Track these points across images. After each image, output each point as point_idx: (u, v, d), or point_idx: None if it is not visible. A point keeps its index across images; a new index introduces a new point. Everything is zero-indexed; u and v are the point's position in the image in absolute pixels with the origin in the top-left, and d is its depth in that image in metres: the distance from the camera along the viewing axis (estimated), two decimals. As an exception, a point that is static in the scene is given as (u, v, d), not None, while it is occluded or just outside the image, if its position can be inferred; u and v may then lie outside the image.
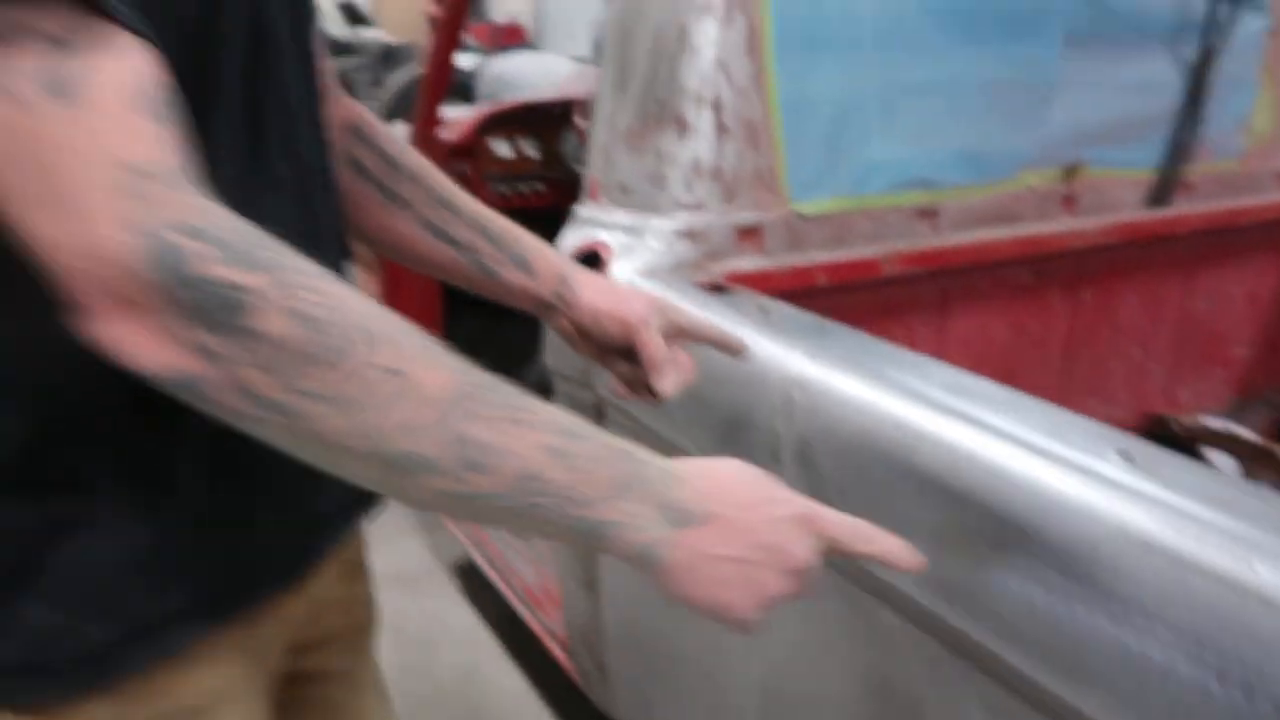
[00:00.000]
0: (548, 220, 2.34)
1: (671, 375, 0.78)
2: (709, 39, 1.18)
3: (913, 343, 1.45)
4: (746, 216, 1.24)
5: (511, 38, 8.65)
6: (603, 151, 1.27)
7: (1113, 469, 0.68)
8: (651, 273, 1.16)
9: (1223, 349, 1.87)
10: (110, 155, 0.44)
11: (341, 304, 0.48)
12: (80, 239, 0.43)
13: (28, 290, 0.46)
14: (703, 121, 1.19)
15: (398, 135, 0.84)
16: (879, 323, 1.40)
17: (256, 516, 0.64)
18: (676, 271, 1.18)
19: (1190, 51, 1.66)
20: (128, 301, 0.44)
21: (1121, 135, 1.63)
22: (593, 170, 1.28)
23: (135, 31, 0.46)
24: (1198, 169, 1.72)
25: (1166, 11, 1.61)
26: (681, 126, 1.19)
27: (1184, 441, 1.63)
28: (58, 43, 0.43)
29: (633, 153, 1.23)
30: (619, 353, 0.83)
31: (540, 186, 2.14)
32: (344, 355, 0.46)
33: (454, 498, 0.50)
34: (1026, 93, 1.50)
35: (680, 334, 0.82)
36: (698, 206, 1.20)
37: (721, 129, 1.20)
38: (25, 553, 0.56)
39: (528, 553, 1.83)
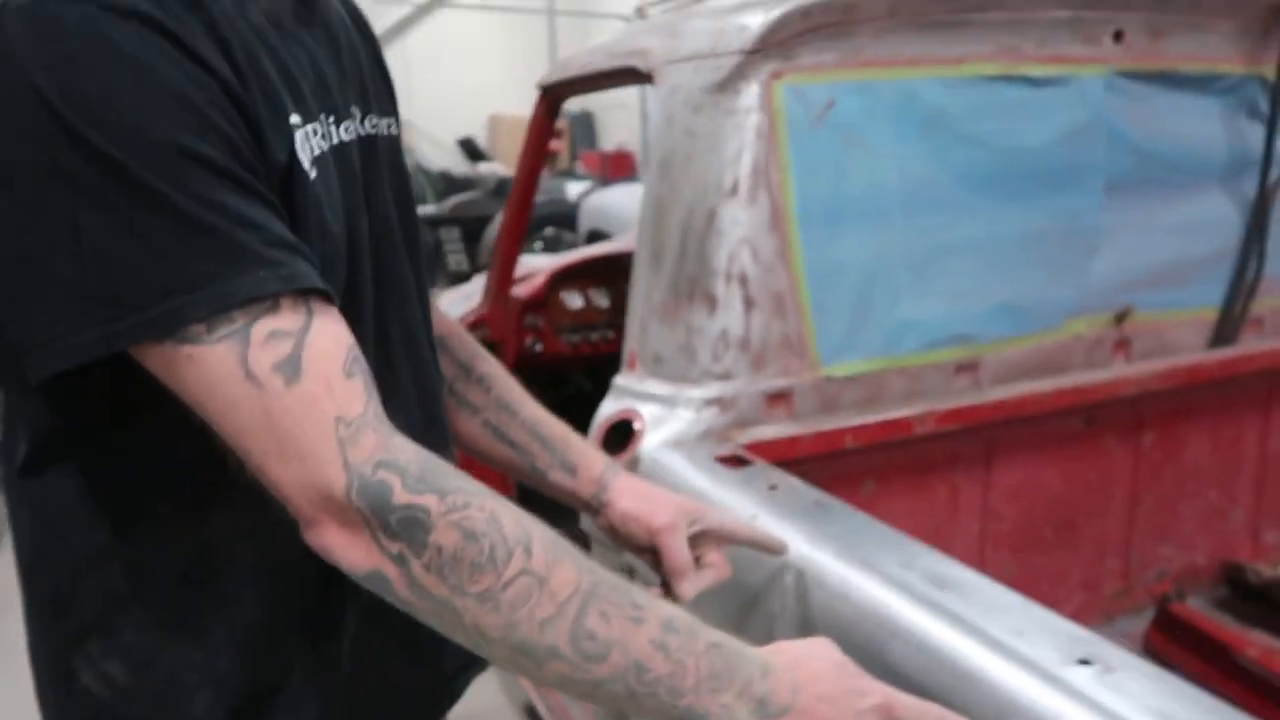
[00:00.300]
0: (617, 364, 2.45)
1: (690, 580, 0.86)
2: (734, 220, 1.26)
3: (956, 497, 1.45)
4: (775, 383, 1.29)
5: (620, 166, 9.05)
6: (639, 324, 1.35)
7: (1075, 677, 0.69)
8: (680, 442, 1.23)
9: (1314, 489, 1.78)
10: (325, 415, 0.59)
11: (495, 517, 0.60)
12: (307, 478, 0.58)
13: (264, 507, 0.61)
14: (730, 296, 1.26)
15: (472, 341, 0.99)
16: (918, 478, 1.42)
17: (397, 674, 0.79)
18: (704, 440, 1.23)
19: (1249, 187, 1.66)
20: (341, 519, 0.59)
21: (1176, 276, 1.62)
22: (630, 341, 1.37)
23: (331, 300, 0.62)
24: (1265, 304, 1.68)
25: (1217, 152, 1.62)
26: (710, 302, 1.27)
27: (1260, 593, 1.55)
28: (290, 335, 0.59)
29: (665, 325, 1.31)
30: (650, 552, 0.90)
31: (610, 334, 2.25)
32: (498, 564, 0.59)
33: (572, 681, 0.61)
34: (1069, 242, 1.52)
35: (713, 539, 0.89)
36: (726, 375, 1.27)
37: (748, 302, 1.27)
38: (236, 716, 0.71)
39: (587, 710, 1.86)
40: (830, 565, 0.89)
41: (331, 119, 0.72)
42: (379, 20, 14.69)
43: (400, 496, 0.59)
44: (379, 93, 0.85)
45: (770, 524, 0.97)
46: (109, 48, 0.55)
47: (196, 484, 0.67)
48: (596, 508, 0.93)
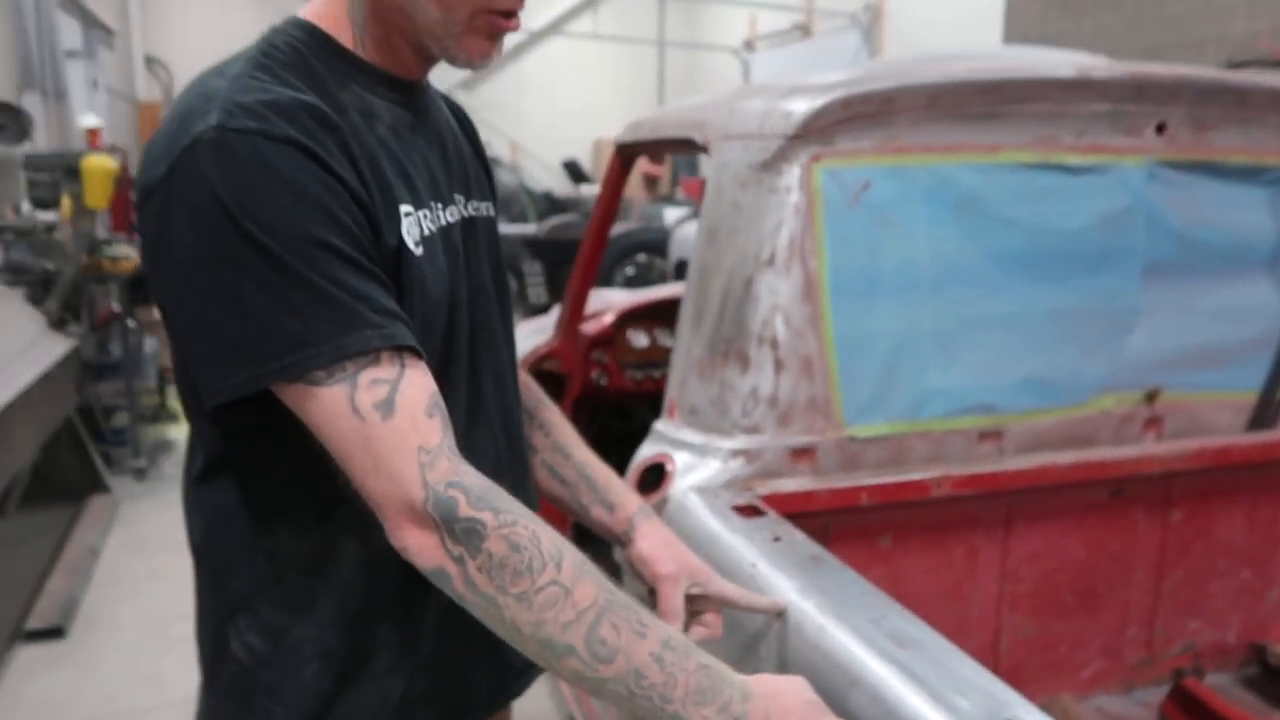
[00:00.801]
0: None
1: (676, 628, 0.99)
2: (770, 288, 1.38)
3: (975, 558, 1.53)
4: (800, 440, 1.40)
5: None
6: (679, 376, 1.48)
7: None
8: (706, 488, 1.34)
9: (1354, 576, 1.78)
10: (411, 444, 0.77)
11: (535, 535, 0.78)
12: (395, 492, 0.77)
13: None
14: (762, 358, 1.38)
15: (538, 390, 1.18)
16: (936, 537, 1.50)
17: (472, 664, 0.96)
18: (729, 487, 1.35)
19: (1294, 275, 1.68)
20: (418, 525, 0.77)
21: (1215, 359, 1.65)
22: (671, 391, 1.49)
23: (421, 356, 0.80)
24: (1308, 391, 1.70)
25: (1262, 240, 1.66)
26: (743, 361, 1.39)
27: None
28: (388, 383, 0.77)
29: (702, 380, 1.44)
30: (652, 593, 1.05)
31: (672, 373, 2.38)
32: (534, 573, 0.76)
33: (584, 677, 0.77)
34: (1102, 321, 1.58)
35: (713, 602, 1.03)
36: (754, 430, 1.38)
37: (778, 364, 1.38)
38: (323, 700, 0.89)
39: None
40: (811, 615, 0.99)
41: (439, 205, 0.93)
42: (494, 46, 15.16)
43: (464, 510, 0.76)
44: (479, 180, 1.06)
45: (767, 572, 1.08)
46: (268, 167, 0.76)
47: (317, 494, 0.86)
48: (624, 543, 1.08)
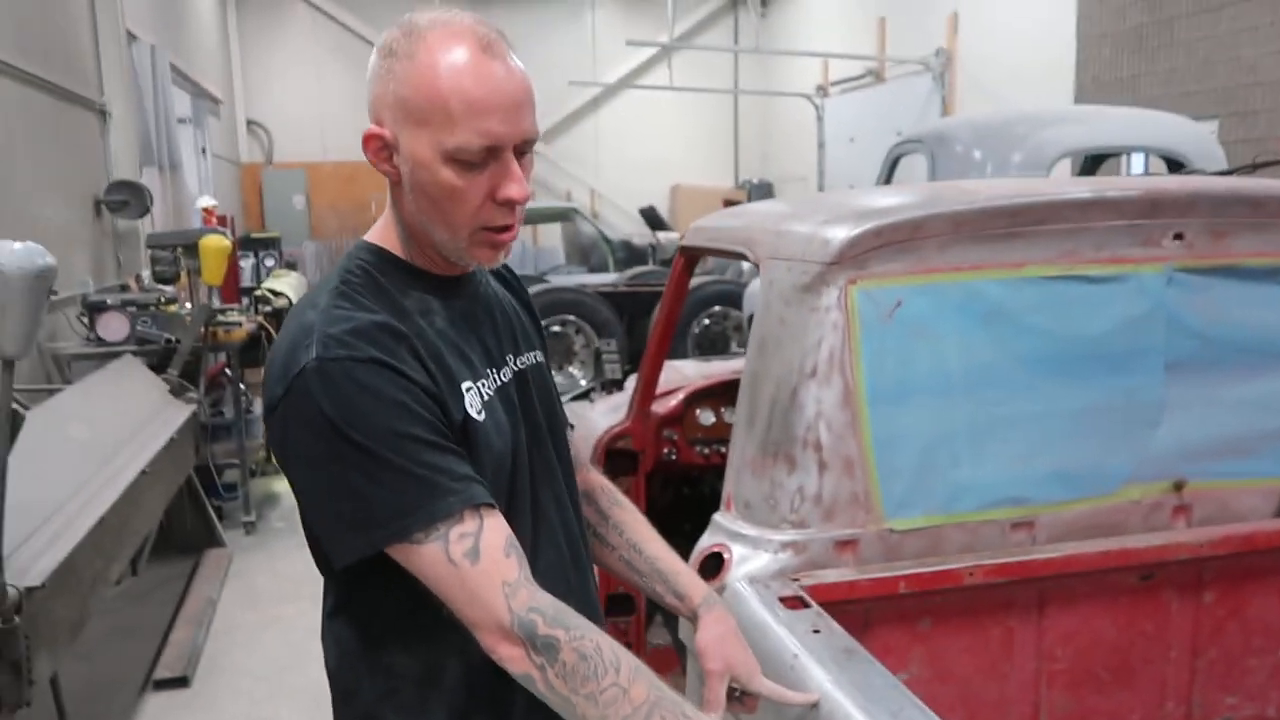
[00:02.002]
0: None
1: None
2: (813, 397, 1.56)
3: (1011, 638, 1.66)
4: (843, 533, 1.56)
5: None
6: (735, 472, 1.66)
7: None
8: (758, 577, 1.52)
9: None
10: (497, 581, 1.00)
11: (599, 646, 1.00)
12: (488, 618, 1.00)
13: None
14: (807, 459, 1.55)
15: (613, 491, 1.41)
16: (972, 620, 1.64)
17: None
18: (779, 576, 1.52)
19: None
20: (508, 641, 1.00)
21: (1242, 448, 1.76)
22: (728, 485, 1.67)
23: (494, 507, 1.03)
24: (1339, 477, 1.78)
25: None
26: (790, 462, 1.56)
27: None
28: (472, 535, 1.01)
29: (755, 478, 1.61)
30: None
31: (738, 448, 2.55)
32: (599, 677, 0.99)
33: None
34: (1127, 416, 1.70)
35: (749, 695, 1.23)
36: (801, 524, 1.55)
37: (822, 465, 1.55)
38: None
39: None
40: (842, 706, 1.16)
41: (494, 370, 1.18)
42: (572, 100, 15.57)
43: (543, 629, 0.99)
44: (526, 332, 1.30)
45: (806, 663, 1.25)
46: (358, 384, 1.01)
47: (423, 621, 1.10)
48: (691, 619, 1.31)
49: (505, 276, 1.35)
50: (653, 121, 14.16)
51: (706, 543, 1.64)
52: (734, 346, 7.74)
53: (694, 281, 7.84)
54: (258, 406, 5.49)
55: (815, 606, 1.41)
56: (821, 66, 12.27)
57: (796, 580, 1.51)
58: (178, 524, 4.38)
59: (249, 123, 13.34)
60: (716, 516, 1.67)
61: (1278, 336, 1.75)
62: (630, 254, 11.17)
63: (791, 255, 1.63)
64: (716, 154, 15.01)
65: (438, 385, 1.06)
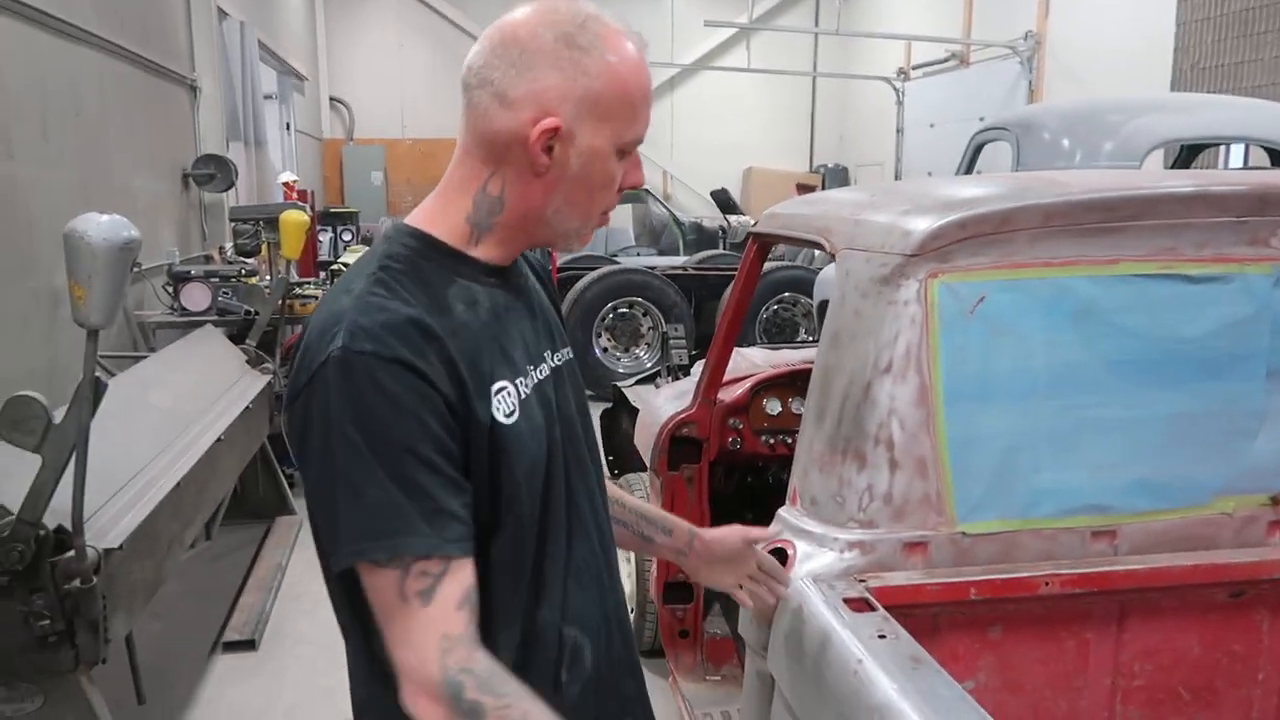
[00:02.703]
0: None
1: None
2: (887, 394, 1.50)
3: (1086, 651, 1.59)
4: (913, 534, 1.51)
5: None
6: (802, 467, 1.61)
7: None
8: (823, 576, 1.47)
9: None
10: (440, 631, 0.95)
11: (526, 715, 0.95)
12: (418, 666, 0.95)
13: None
14: (878, 457, 1.50)
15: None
16: (1046, 630, 1.57)
17: None
18: (845, 576, 1.47)
19: None
20: (430, 698, 0.95)
21: (1348, 462, 1.65)
22: (794, 480, 1.63)
23: (467, 556, 0.98)
24: None
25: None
26: (861, 460, 1.51)
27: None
28: (432, 576, 0.96)
29: (823, 474, 1.57)
30: (737, 565, 1.44)
31: (804, 440, 2.50)
32: None
33: None
34: (1223, 424, 1.61)
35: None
36: (869, 524, 1.50)
37: (893, 464, 1.50)
38: None
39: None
40: (906, 716, 1.11)
41: (533, 367, 1.15)
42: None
43: (470, 694, 0.94)
44: (558, 328, 1.28)
45: (870, 669, 1.21)
46: (375, 383, 0.96)
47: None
48: (687, 552, 1.42)
49: (537, 269, 1.31)
50: (728, 103, 14.03)
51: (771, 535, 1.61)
52: (802, 333, 7.65)
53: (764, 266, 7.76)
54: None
55: (881, 610, 1.37)
56: (904, 49, 11.99)
57: (863, 581, 1.46)
58: (250, 491, 4.50)
59: (332, 100, 13.60)
60: (782, 511, 1.63)
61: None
62: (701, 237, 11.12)
63: (870, 246, 1.58)
64: (792, 137, 14.81)
65: (465, 393, 1.02)
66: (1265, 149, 4.30)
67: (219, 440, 3.34)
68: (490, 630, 1.01)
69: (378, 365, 0.96)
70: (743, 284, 2.23)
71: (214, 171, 5.84)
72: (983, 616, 1.53)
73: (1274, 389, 1.61)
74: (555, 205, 1.09)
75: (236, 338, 4.62)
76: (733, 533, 1.44)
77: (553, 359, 1.20)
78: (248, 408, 3.83)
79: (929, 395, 1.50)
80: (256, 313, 4.64)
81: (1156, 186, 1.55)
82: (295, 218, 4.61)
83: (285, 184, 6.14)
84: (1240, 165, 5.84)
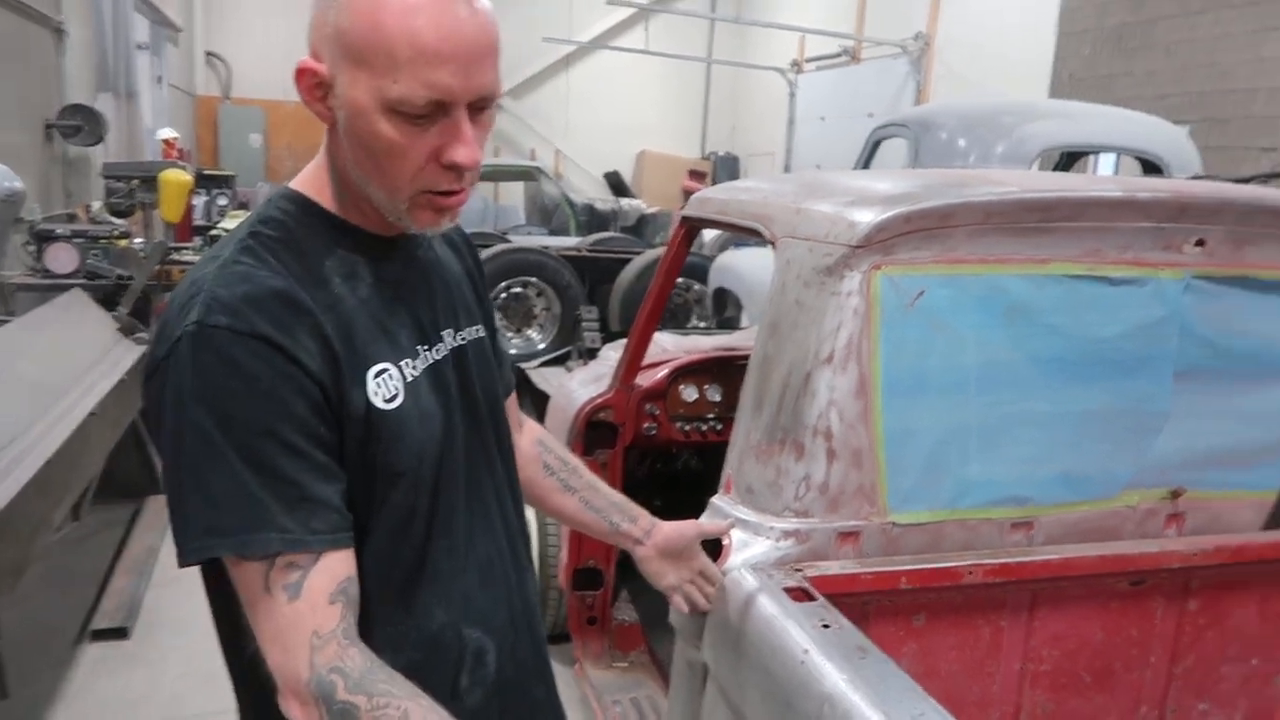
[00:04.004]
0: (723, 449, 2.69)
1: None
2: (827, 384, 1.51)
3: (1000, 637, 1.64)
4: (846, 524, 1.52)
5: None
6: (738, 456, 1.61)
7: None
8: (759, 565, 1.47)
9: (1363, 669, 1.87)
10: (307, 627, 0.88)
11: (406, 714, 0.87)
12: (287, 665, 0.89)
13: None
14: (816, 447, 1.51)
15: (557, 442, 1.44)
16: (965, 617, 1.61)
17: None
18: (780, 565, 1.48)
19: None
20: (299, 699, 0.89)
21: (1239, 459, 1.76)
22: (728, 469, 1.62)
23: (341, 546, 0.91)
24: (1328, 493, 1.80)
25: (1291, 347, 1.75)
26: (799, 450, 1.51)
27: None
28: (301, 568, 0.89)
29: (760, 463, 1.56)
30: (683, 562, 1.42)
31: (718, 426, 2.51)
32: None
33: None
34: (1132, 422, 1.68)
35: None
36: (805, 513, 1.51)
37: (831, 454, 1.51)
38: None
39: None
40: (858, 707, 1.12)
41: (425, 348, 1.05)
42: (543, 57, 15.34)
43: (341, 694, 0.87)
44: (468, 304, 1.18)
45: (817, 659, 1.21)
46: (229, 360, 0.87)
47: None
48: (646, 540, 1.40)
49: (454, 240, 1.22)
50: (624, 85, 13.98)
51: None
52: (694, 319, 7.71)
53: (657, 252, 7.79)
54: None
55: (822, 599, 1.37)
56: (798, 42, 12.20)
57: (799, 570, 1.47)
58: (121, 469, 4.22)
59: (208, 54, 12.86)
60: (715, 500, 1.63)
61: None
62: (593, 218, 11.06)
63: (813, 235, 1.58)
64: (685, 123, 14.89)
65: (337, 372, 0.93)
66: (1138, 159, 4.55)
67: (91, 414, 3.11)
68: (371, 631, 0.94)
69: (233, 341, 0.87)
70: (668, 267, 2.20)
71: (81, 123, 5.43)
72: (908, 605, 1.57)
73: (1179, 390, 1.70)
74: (353, 169, 0.97)
75: (106, 303, 4.31)
76: (688, 526, 1.42)
77: (454, 338, 1.11)
78: (122, 380, 3.58)
79: (868, 387, 1.52)
80: (130, 277, 4.34)
81: (1088, 190, 1.60)
82: (177, 177, 4.33)
83: (165, 141, 5.76)
84: (1111, 174, 6.19)
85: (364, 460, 0.96)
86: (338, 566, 0.91)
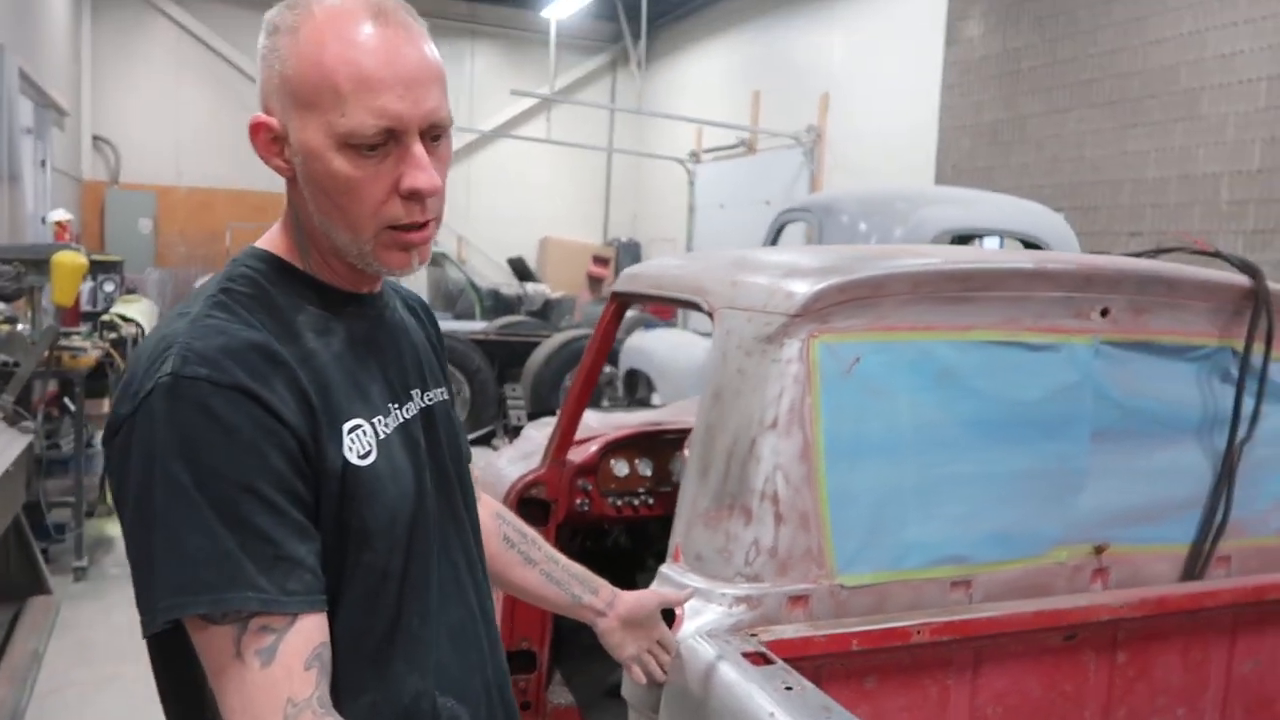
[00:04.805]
0: (658, 524, 2.69)
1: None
2: (772, 449, 1.53)
3: (947, 696, 1.67)
4: (796, 587, 1.53)
5: (665, 313, 9.48)
6: (685, 524, 1.61)
7: None
8: (713, 632, 1.46)
9: (1272, 708, 1.96)
10: (281, 694, 0.83)
11: None
12: None
13: None
14: (764, 512, 1.52)
15: (513, 515, 1.42)
16: (913, 678, 1.64)
17: None
18: (733, 631, 1.47)
19: (1219, 441, 1.90)
20: None
21: (1153, 515, 1.85)
22: (676, 537, 1.62)
23: (315, 609, 0.87)
24: (1231, 544, 1.90)
25: (1192, 410, 1.88)
26: (747, 514, 1.53)
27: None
28: (275, 631, 0.85)
29: (708, 530, 1.57)
30: (643, 632, 1.42)
31: (650, 500, 2.51)
32: None
33: None
34: (1056, 481, 1.76)
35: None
36: (755, 578, 1.51)
37: (778, 518, 1.53)
38: None
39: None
40: (829, 766, 1.11)
41: (396, 406, 1.04)
42: (448, 145, 15.54)
43: None
44: (434, 368, 1.18)
45: (784, 722, 1.21)
46: (207, 412, 0.85)
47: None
48: (607, 612, 1.40)
49: (415, 308, 1.23)
50: (526, 173, 14.20)
51: (655, 596, 1.58)
52: (604, 401, 7.74)
53: (565, 336, 7.86)
54: (99, 440, 5.04)
55: (781, 662, 1.37)
56: (695, 133, 12.65)
57: (754, 635, 1.47)
58: (2, 567, 3.93)
59: (95, 139, 12.52)
60: (664, 569, 1.62)
61: (1185, 411, 1.87)
62: (498, 303, 11.09)
63: (751, 306, 1.62)
64: (588, 210, 15.16)
65: (315, 426, 0.91)
66: (1023, 242, 4.85)
67: (-26, 508, 2.90)
68: (341, 702, 0.90)
69: (211, 392, 0.84)
70: (599, 343, 2.22)
71: (-38, 206, 5.18)
72: (860, 667, 1.58)
73: (1096, 449, 1.79)
74: (316, 217, 0.96)
75: (-11, 392, 4.06)
76: (649, 596, 1.42)
77: (422, 398, 1.10)
78: (7, 471, 3.37)
79: (811, 451, 1.55)
80: (16, 364, 4.11)
81: (1004, 262, 1.71)
82: (71, 260, 4.16)
83: (58, 223, 5.54)
84: (996, 256, 6.54)
85: (338, 519, 0.93)
86: (313, 631, 0.87)
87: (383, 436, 0.99)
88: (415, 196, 0.93)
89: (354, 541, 0.94)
